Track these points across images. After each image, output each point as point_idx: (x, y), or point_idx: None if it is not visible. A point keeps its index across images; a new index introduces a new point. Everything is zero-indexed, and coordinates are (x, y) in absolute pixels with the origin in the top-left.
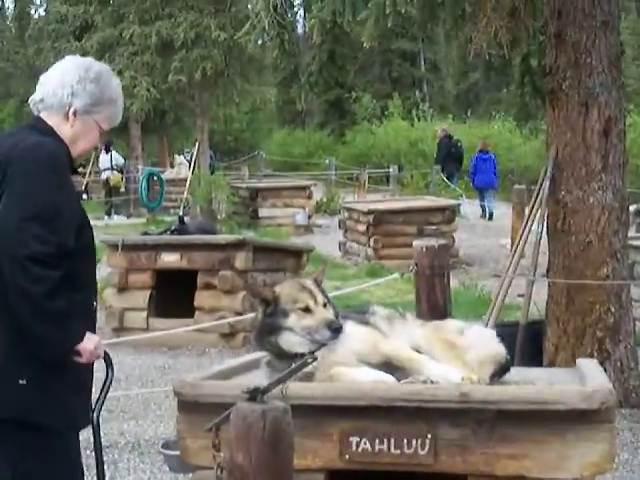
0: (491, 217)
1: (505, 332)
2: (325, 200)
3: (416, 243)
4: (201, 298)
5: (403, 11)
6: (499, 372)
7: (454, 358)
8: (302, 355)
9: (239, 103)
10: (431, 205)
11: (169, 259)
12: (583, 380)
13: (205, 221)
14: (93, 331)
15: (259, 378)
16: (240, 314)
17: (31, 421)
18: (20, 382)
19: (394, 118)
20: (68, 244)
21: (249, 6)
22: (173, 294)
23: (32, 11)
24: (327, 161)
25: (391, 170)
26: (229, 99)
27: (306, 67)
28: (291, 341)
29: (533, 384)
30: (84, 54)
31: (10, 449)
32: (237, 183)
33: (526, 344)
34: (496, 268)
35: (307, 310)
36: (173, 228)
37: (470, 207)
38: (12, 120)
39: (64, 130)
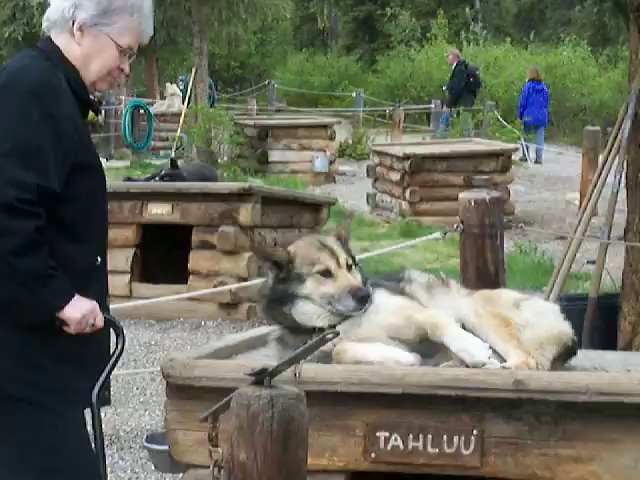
0: (539, 161)
1: (572, 307)
2: (351, 142)
3: (462, 196)
4: (196, 259)
5: None
6: (563, 356)
7: (508, 337)
8: (321, 330)
9: (246, 20)
10: (481, 150)
11: (158, 211)
12: None
13: (203, 165)
14: (94, 294)
15: (267, 357)
16: (244, 280)
17: (15, 393)
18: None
19: (438, 41)
20: (53, 186)
21: None
22: (162, 254)
23: None
24: (354, 94)
25: (433, 106)
26: (234, 15)
27: None
28: (308, 312)
29: (605, 371)
30: None
31: (10, 425)
32: (243, 119)
33: (597, 322)
34: (561, 228)
35: (327, 274)
36: (163, 173)
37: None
38: None
39: (72, 50)
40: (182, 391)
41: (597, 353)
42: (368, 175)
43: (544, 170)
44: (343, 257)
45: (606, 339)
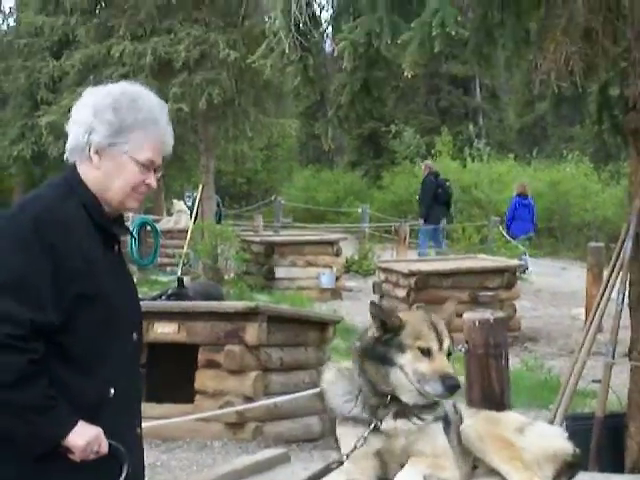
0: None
1: (578, 426)
2: (357, 258)
3: (467, 316)
4: (203, 379)
5: (453, 33)
6: (565, 472)
7: (510, 459)
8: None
9: (252, 138)
10: (487, 266)
11: (164, 330)
12: None
13: (209, 283)
14: (106, 427)
15: None
16: (250, 399)
17: None
18: None
19: (442, 157)
20: (50, 319)
21: (266, 24)
22: (168, 374)
23: (0, 21)
24: (360, 210)
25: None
26: (240, 133)
27: (335, 97)
28: (397, 381)
29: None
30: (63, 74)
31: None
32: (249, 236)
33: (604, 442)
34: (567, 344)
35: (427, 352)
36: (170, 292)
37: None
38: None
39: (92, 176)
40: None
41: (604, 476)
42: (374, 291)
43: (549, 285)
44: (447, 342)
45: (613, 460)
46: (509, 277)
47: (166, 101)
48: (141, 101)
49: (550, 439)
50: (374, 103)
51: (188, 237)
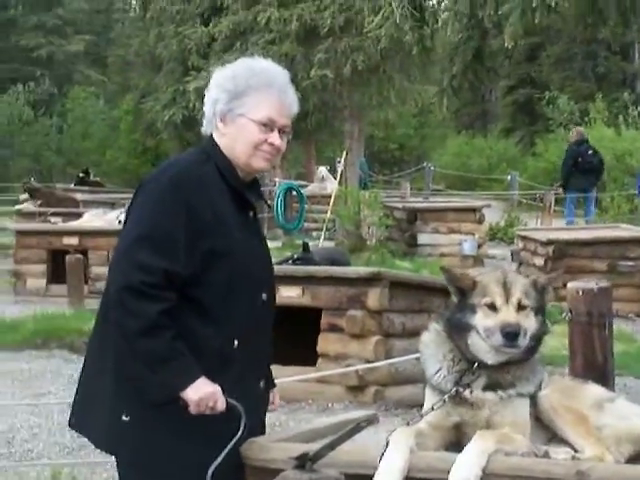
0: None
1: None
2: (503, 225)
3: (571, 285)
4: (325, 342)
5: (553, 4)
6: None
7: (585, 433)
8: (485, 367)
9: (396, 105)
10: (628, 236)
11: (289, 294)
12: None
13: (335, 249)
14: (230, 377)
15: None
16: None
17: (133, 460)
18: (123, 418)
19: (596, 124)
20: (181, 272)
21: None
22: (292, 336)
23: None
24: (509, 177)
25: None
26: (384, 100)
27: (449, 65)
28: (475, 344)
29: None
30: (211, 41)
31: None
32: (393, 202)
33: None
34: None
35: (492, 307)
36: (296, 257)
37: None
38: (129, 119)
39: (222, 142)
40: (257, 472)
41: None
42: (512, 259)
43: None
44: (516, 296)
45: None
46: None
47: (311, 67)
48: (257, 69)
49: (630, 420)
50: (487, 73)
51: (331, 203)
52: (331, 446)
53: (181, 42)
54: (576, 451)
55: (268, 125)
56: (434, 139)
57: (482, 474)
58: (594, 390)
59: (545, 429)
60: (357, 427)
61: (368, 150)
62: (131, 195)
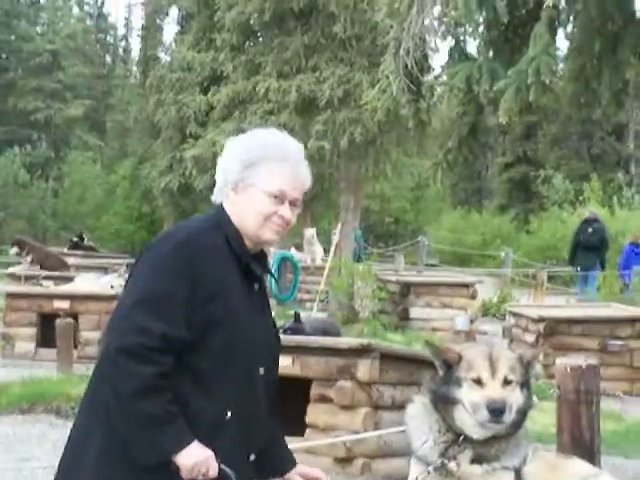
0: None
1: None
2: (496, 301)
3: (559, 362)
4: (315, 413)
5: (547, 82)
6: None
7: None
8: (470, 440)
9: (392, 178)
10: (619, 315)
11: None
12: None
13: (327, 320)
14: (221, 450)
15: None
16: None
17: None
18: None
19: (591, 204)
20: (180, 336)
21: (381, 66)
22: (282, 406)
23: (160, 53)
24: (503, 254)
25: (579, 269)
26: (381, 173)
27: (444, 140)
28: (461, 418)
29: None
30: (210, 109)
31: None
32: (386, 275)
33: None
34: None
35: (478, 382)
36: (287, 326)
37: None
38: (126, 184)
39: (232, 212)
40: None
41: None
42: (504, 335)
43: None
44: (502, 372)
45: None
46: None
47: (308, 138)
48: (272, 139)
49: None
50: (482, 148)
51: (325, 274)
52: None
53: (180, 110)
54: None
55: (279, 197)
56: (430, 213)
57: None
58: (578, 466)
59: None
60: None
61: (364, 222)
62: (124, 261)
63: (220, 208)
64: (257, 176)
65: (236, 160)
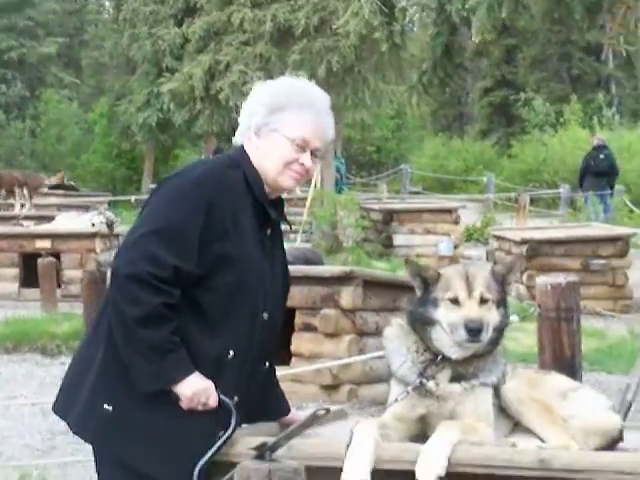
0: None
1: None
2: (479, 226)
3: (540, 280)
4: (299, 342)
5: None
6: (608, 446)
7: (551, 423)
8: (448, 360)
9: (372, 106)
10: (600, 234)
11: None
12: None
13: (308, 249)
14: (222, 387)
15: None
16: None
17: (112, 453)
18: (105, 407)
19: (571, 126)
20: (191, 271)
21: None
22: None
23: None
24: (485, 179)
25: (562, 190)
26: (360, 101)
27: (419, 62)
28: (439, 339)
29: None
30: (184, 42)
31: (103, 476)
32: (369, 204)
33: None
34: None
35: (455, 302)
36: None
37: None
38: (104, 122)
39: (252, 154)
40: (221, 467)
41: None
42: (487, 259)
43: None
44: (479, 290)
45: None
46: (622, 245)
47: (285, 68)
48: (298, 87)
49: (595, 412)
50: (456, 69)
51: (307, 205)
52: (289, 436)
53: (155, 43)
54: (543, 441)
55: (301, 145)
56: (411, 141)
57: (447, 464)
58: (558, 380)
59: (508, 419)
60: (314, 416)
61: (346, 152)
62: (105, 199)
63: (241, 149)
64: (281, 122)
65: (261, 104)
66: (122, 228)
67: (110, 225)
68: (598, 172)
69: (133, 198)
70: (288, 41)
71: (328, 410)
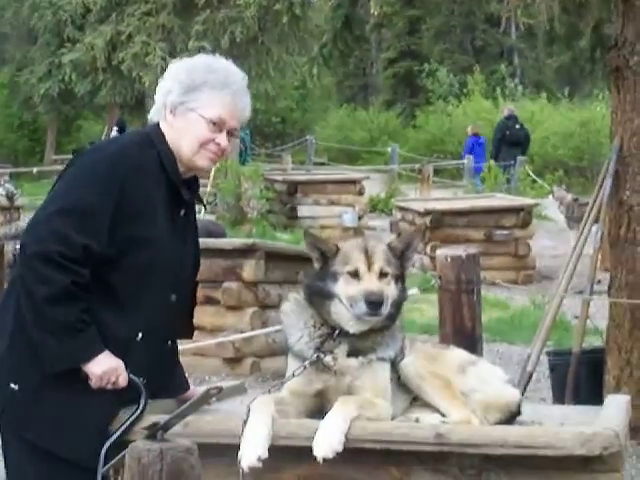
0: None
1: (558, 362)
2: (384, 197)
3: (440, 252)
4: (201, 315)
5: None
6: (507, 420)
7: (450, 397)
8: (346, 334)
9: (276, 77)
10: (502, 205)
11: None
12: (599, 421)
13: (210, 221)
14: (126, 365)
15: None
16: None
17: (18, 433)
18: (11, 385)
19: (475, 97)
20: (101, 251)
21: None
22: None
23: None
24: (389, 149)
25: (465, 161)
26: (264, 72)
27: (319, 34)
28: (338, 313)
29: (539, 424)
30: (85, 12)
31: (9, 456)
32: (274, 175)
33: (584, 376)
34: (581, 284)
35: (355, 275)
36: None
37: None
38: (5, 93)
39: (168, 133)
40: (116, 447)
41: (545, 407)
42: (391, 230)
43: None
44: (378, 264)
45: (593, 394)
46: (524, 216)
47: (188, 39)
48: (216, 66)
49: (494, 386)
50: (357, 41)
51: (211, 176)
52: (182, 415)
53: (56, 13)
54: (444, 416)
55: (217, 124)
56: (316, 112)
57: (345, 440)
58: (457, 354)
59: (406, 393)
60: (206, 395)
61: (251, 123)
62: (6, 170)
63: (156, 127)
64: (197, 101)
65: (177, 82)
66: (23, 200)
67: (10, 197)
68: (515, 142)
69: (35, 170)
70: (191, 12)
71: (221, 389)
